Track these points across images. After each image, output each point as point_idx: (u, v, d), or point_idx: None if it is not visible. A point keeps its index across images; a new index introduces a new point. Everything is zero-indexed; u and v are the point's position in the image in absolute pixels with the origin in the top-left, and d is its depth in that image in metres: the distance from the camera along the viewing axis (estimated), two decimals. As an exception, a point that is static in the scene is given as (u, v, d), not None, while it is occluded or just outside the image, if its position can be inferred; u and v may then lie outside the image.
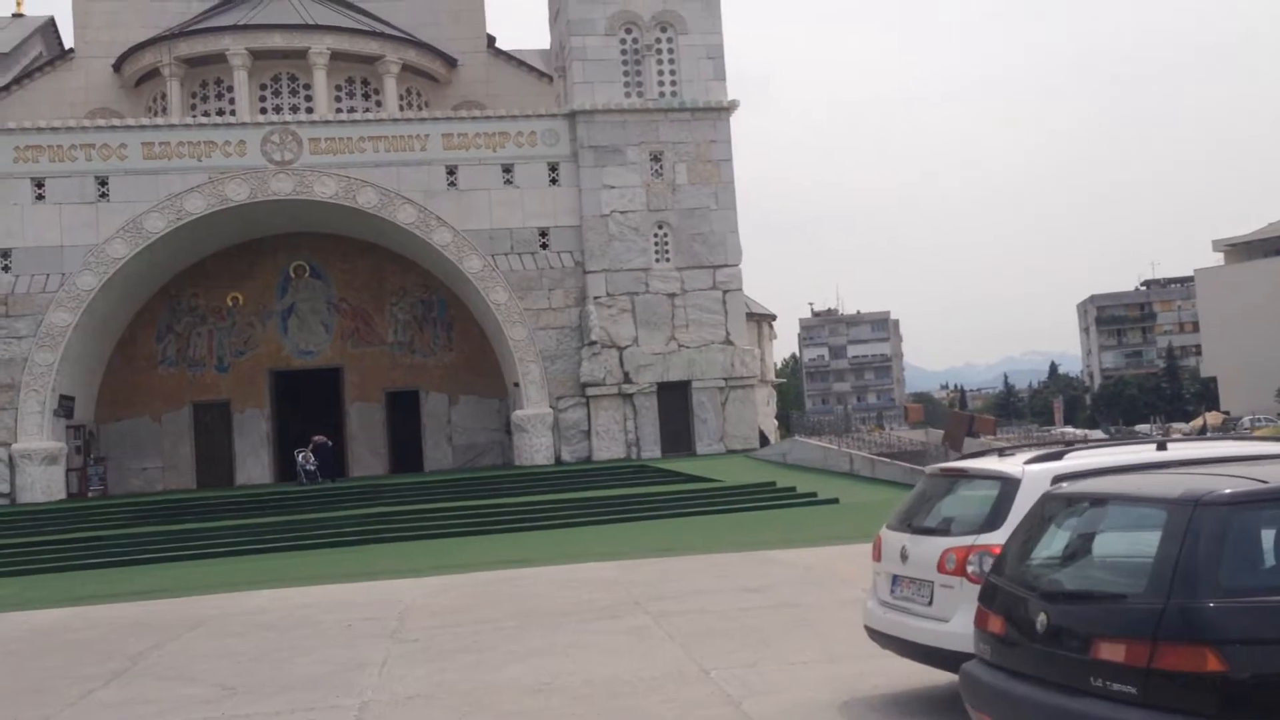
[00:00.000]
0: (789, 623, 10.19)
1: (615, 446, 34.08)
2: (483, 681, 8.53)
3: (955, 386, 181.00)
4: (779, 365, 74.50)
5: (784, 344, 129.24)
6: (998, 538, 6.39)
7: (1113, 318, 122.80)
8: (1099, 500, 5.04)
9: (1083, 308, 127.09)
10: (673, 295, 34.71)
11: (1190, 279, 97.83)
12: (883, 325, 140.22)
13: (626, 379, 34.25)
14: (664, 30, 35.36)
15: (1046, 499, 5.38)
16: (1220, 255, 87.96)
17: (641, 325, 34.46)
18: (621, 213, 34.53)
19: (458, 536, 22.20)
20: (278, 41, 37.39)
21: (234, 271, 36.92)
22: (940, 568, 6.68)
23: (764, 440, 38.00)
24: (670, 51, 35.45)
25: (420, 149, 33.93)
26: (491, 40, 42.82)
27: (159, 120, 34.34)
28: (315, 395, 37.07)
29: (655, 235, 34.80)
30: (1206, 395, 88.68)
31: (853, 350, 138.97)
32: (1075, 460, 6.78)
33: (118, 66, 39.48)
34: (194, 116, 36.60)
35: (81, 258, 32.17)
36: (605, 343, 34.14)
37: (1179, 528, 4.24)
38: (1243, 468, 4.93)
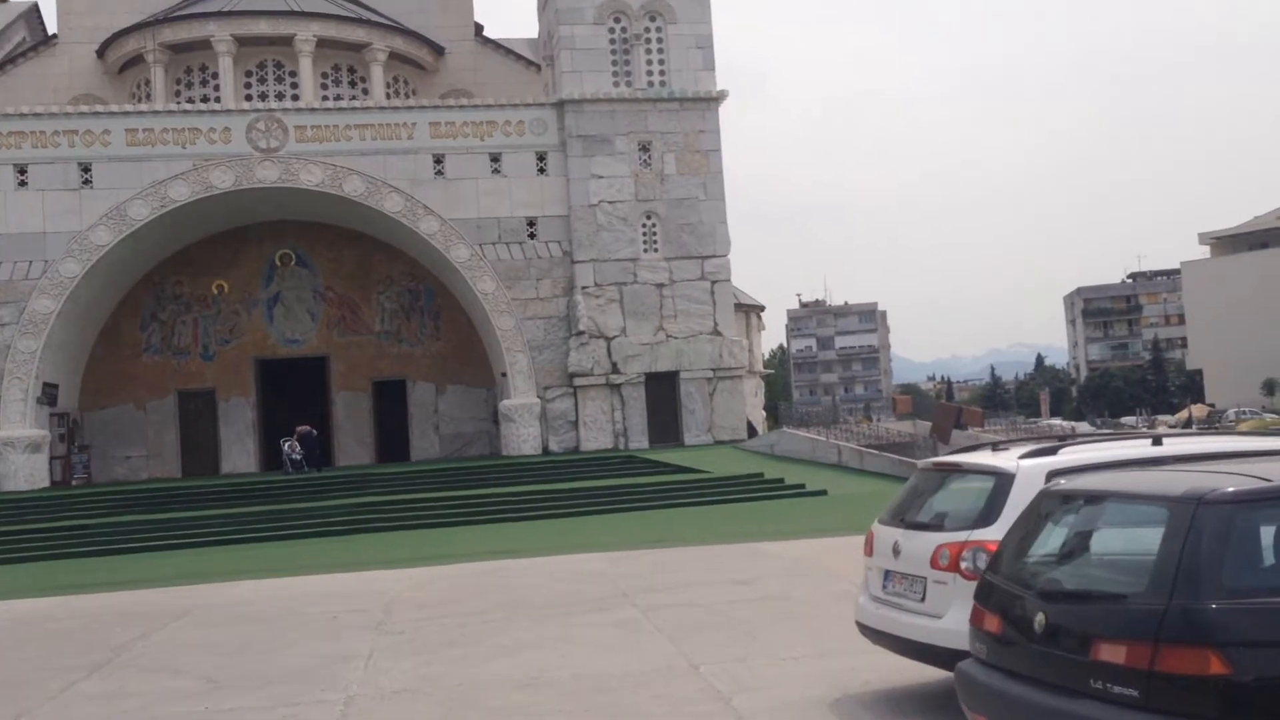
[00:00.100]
0: (778, 616, 10.12)
1: (603, 437, 34.00)
2: (469, 676, 8.44)
3: (942, 378, 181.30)
4: (767, 356, 74.47)
5: (772, 335, 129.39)
6: (992, 534, 6.33)
7: (1099, 310, 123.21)
8: (1098, 497, 4.96)
9: (1069, 300, 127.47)
10: (661, 286, 34.62)
11: (1176, 272, 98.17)
12: (870, 316, 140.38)
13: (614, 369, 34.16)
14: (653, 19, 35.20)
15: (1044, 495, 5.30)
16: (1206, 248, 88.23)
17: (629, 315, 34.36)
18: (610, 203, 34.40)
19: (444, 527, 22.09)
20: (263, 28, 37.09)
21: (219, 259, 36.67)
22: (933, 563, 6.60)
23: (752, 431, 37.96)
24: (659, 41, 35.30)
25: (407, 137, 33.72)
26: (479, 28, 42.57)
27: (143, 107, 34.04)
28: (301, 384, 36.87)
29: (643, 225, 34.68)
30: (1192, 388, 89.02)
31: (840, 341, 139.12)
32: (1070, 455, 6.70)
33: (101, 52, 39.13)
34: (178, 103, 36.31)
35: (65, 245, 31.90)
36: (593, 333, 34.03)
37: (1181, 527, 4.16)
38: (1244, 465, 4.86)
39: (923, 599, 6.68)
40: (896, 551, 6.95)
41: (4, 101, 35.75)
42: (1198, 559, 4.06)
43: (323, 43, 37.52)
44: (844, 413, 56.06)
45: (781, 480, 25.42)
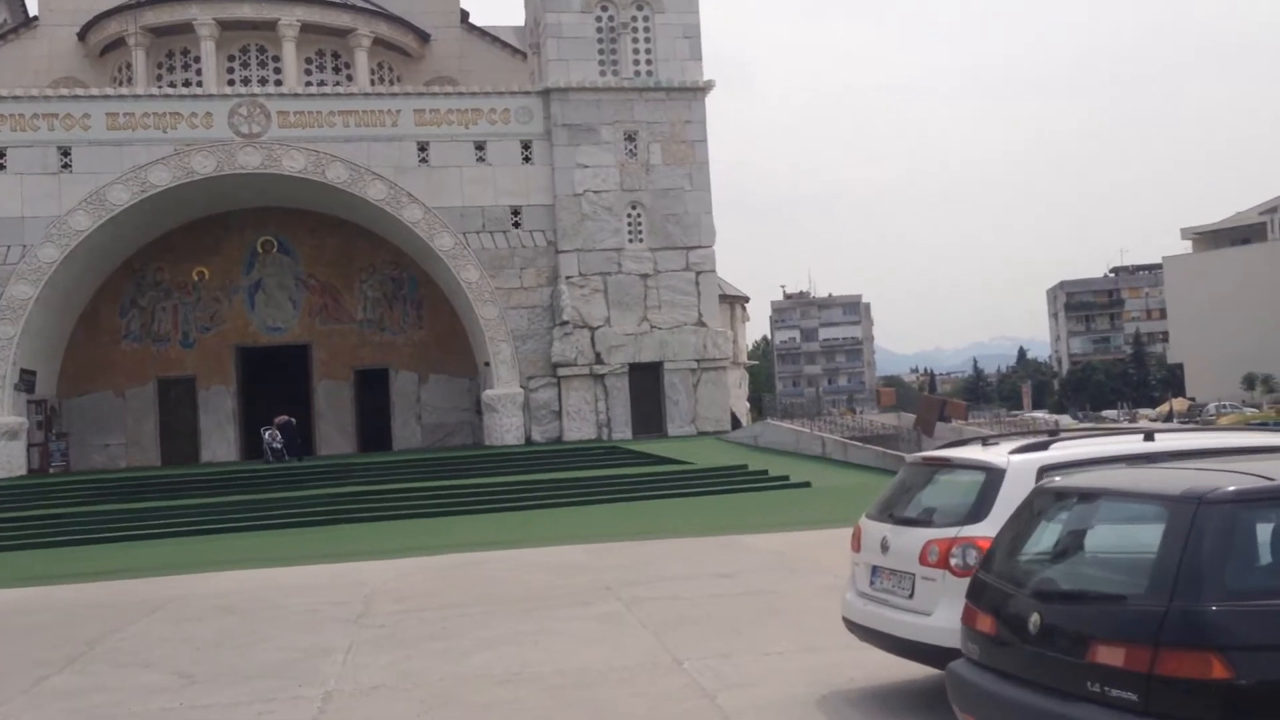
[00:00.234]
0: (763, 610, 10.02)
1: (586, 427, 33.87)
2: (450, 670, 8.30)
3: (925, 370, 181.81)
4: (751, 347, 74.42)
5: (756, 326, 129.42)
6: (982, 530, 6.23)
7: (1081, 304, 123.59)
8: (1094, 495, 4.85)
9: (1052, 294, 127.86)
10: (645, 276, 34.47)
11: (1158, 266, 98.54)
12: (854, 308, 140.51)
13: (598, 359, 34.01)
14: (640, 8, 34.99)
15: (1037, 493, 5.19)
16: (1188, 243, 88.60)
17: (614, 306, 34.21)
18: (595, 192, 34.21)
19: (426, 517, 21.94)
20: (246, 12, 36.74)
21: (200, 246, 36.34)
22: (922, 560, 6.49)
23: (736, 422, 37.89)
24: (646, 30, 35.09)
25: (391, 124, 33.45)
26: (465, 15, 42.28)
27: (124, 90, 33.69)
28: (283, 372, 36.59)
29: (628, 215, 34.51)
30: (1173, 382, 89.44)
31: (824, 333, 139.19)
32: (1061, 450, 6.60)
33: (82, 35, 38.69)
34: (160, 87, 35.94)
35: (43, 229, 31.54)
36: (577, 323, 33.87)
37: (1181, 527, 4.05)
38: (1242, 463, 4.75)
39: (911, 595, 6.57)
40: (885, 547, 6.84)
41: (-18, 84, 35.31)
42: (1198, 560, 3.95)
43: (306, 28, 37.18)
44: (827, 404, 56.05)
45: (765, 472, 25.34)
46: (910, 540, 6.65)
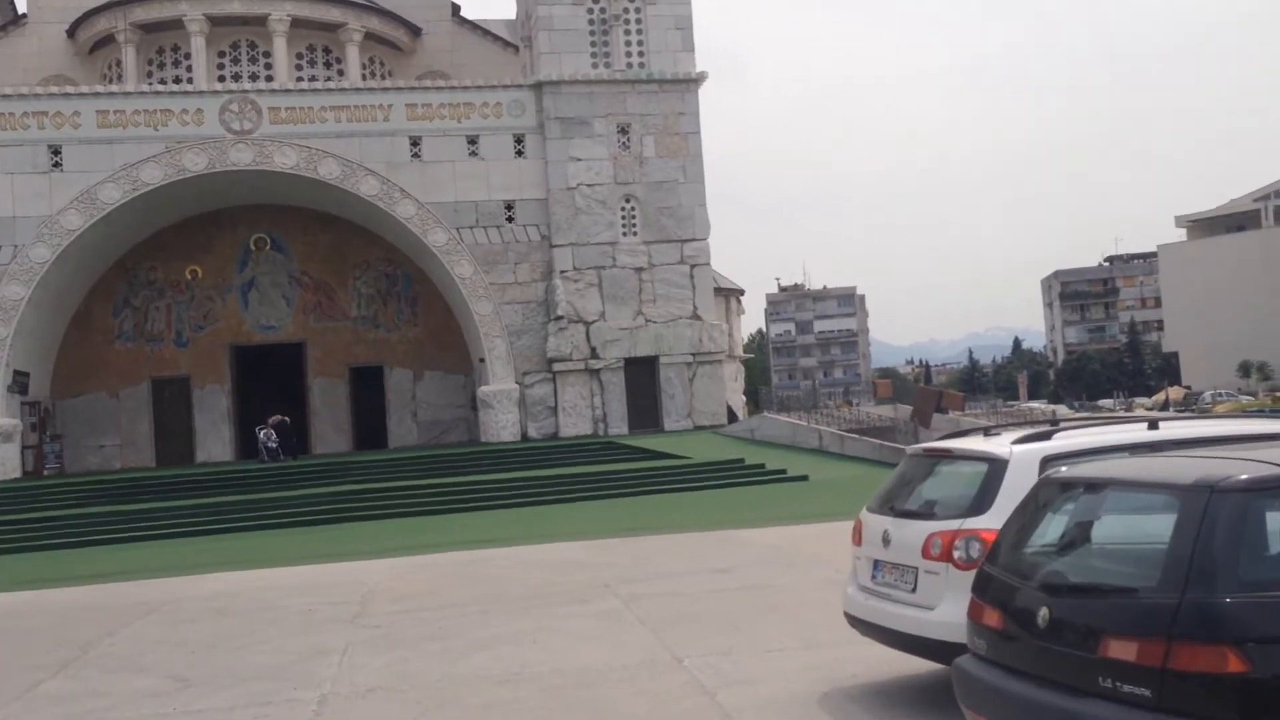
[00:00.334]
0: (762, 606, 9.92)
1: (582, 423, 33.77)
2: (448, 671, 8.20)
3: (920, 362, 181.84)
4: (746, 340, 74.38)
5: (751, 319, 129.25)
6: (985, 521, 6.14)
7: (1076, 293, 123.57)
8: (1101, 486, 4.74)
9: (1046, 283, 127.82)
10: (640, 270, 34.35)
11: (1153, 255, 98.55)
12: (849, 300, 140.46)
13: (594, 354, 33.90)
14: (632, 0, 34.82)
15: (1043, 484, 5.09)
16: (1183, 231, 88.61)
17: (608, 300, 34.09)
18: (588, 185, 34.08)
19: (422, 515, 21.84)
20: (236, 7, 36.51)
21: (192, 244, 36.17)
22: (925, 553, 6.40)
23: (732, 416, 37.81)
24: (638, 22, 34.93)
25: (383, 119, 33.29)
26: (456, 9, 42.09)
27: (114, 88, 33.49)
28: (277, 370, 36.45)
29: (622, 209, 34.38)
30: (1168, 370, 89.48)
31: (819, 325, 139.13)
32: (1065, 440, 6.51)
33: (72, 32, 38.46)
34: (150, 84, 35.69)
35: (34, 229, 31.37)
36: (572, 317, 33.76)
37: (1193, 517, 3.95)
38: (1250, 450, 4.65)
39: (914, 590, 6.48)
40: (886, 540, 6.75)
41: (-29, 84, 35.08)
42: (1211, 550, 3.85)
43: (297, 22, 36.97)
44: (824, 397, 55.97)
45: (762, 465, 25.27)
46: (912, 533, 6.56)
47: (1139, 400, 70.40)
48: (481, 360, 34.14)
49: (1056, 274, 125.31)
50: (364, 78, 37.75)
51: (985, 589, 4.87)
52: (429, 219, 33.16)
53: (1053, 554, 4.70)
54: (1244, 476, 4.02)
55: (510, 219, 33.97)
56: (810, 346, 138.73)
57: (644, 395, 34.32)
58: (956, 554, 6.19)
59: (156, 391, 36.19)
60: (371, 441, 36.91)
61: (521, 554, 14.94)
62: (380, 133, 33.20)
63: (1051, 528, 4.84)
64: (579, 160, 34.02)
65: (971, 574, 5.52)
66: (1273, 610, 3.71)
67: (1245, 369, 74.15)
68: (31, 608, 13.16)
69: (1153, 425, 6.71)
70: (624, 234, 34.37)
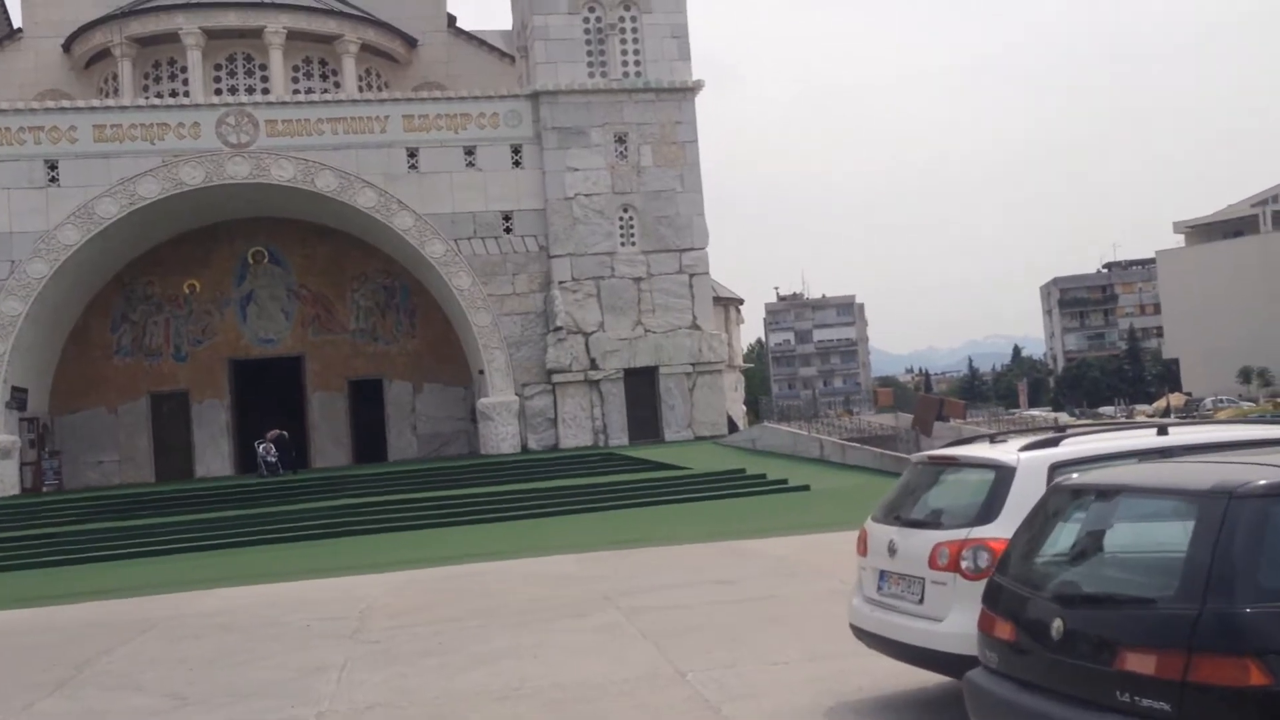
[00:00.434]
0: (765, 618, 9.80)
1: (582, 434, 33.63)
2: (447, 687, 8.07)
3: (920, 370, 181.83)
4: (745, 350, 74.27)
5: (750, 329, 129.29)
6: (993, 531, 6.04)
7: (1075, 300, 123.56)
8: (1113, 492, 4.63)
9: (1045, 290, 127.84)
10: (639, 279, 34.25)
11: (1151, 261, 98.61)
12: (848, 309, 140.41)
13: (593, 365, 33.78)
14: (627, 9, 34.79)
15: (1053, 491, 4.99)
16: (1181, 237, 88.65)
17: (607, 310, 33.99)
18: (586, 195, 34.00)
19: (422, 529, 21.71)
20: (232, 20, 36.50)
21: (190, 258, 36.07)
22: (932, 563, 6.29)
23: (732, 426, 37.68)
24: (634, 30, 34.90)
25: (380, 131, 33.23)
26: (452, 20, 42.11)
27: (110, 102, 33.45)
28: (276, 384, 36.30)
29: (620, 218, 34.30)
30: (1168, 377, 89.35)
31: (819, 335, 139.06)
32: (1073, 447, 6.40)
33: (67, 47, 38.44)
34: (146, 98, 35.64)
35: (31, 244, 31.27)
36: (571, 328, 33.65)
37: (1212, 523, 3.84)
38: (1265, 455, 4.54)
39: (921, 601, 6.37)
40: (892, 550, 6.64)
41: (-33, 99, 35.03)
42: (1231, 558, 3.74)
43: (293, 35, 36.94)
44: (824, 406, 55.88)
45: (764, 476, 25.13)
46: (918, 543, 6.45)
47: (1140, 407, 70.27)
48: (481, 372, 34.02)
49: (1055, 281, 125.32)
50: (360, 89, 37.72)
51: (996, 600, 4.76)
52: (427, 230, 33.07)
53: (1065, 564, 4.59)
54: (1263, 482, 3.91)
55: (508, 230, 33.88)
56: (810, 356, 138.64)
57: (644, 406, 34.19)
58: (964, 564, 6.09)
59: (155, 406, 36.05)
60: (371, 455, 36.76)
61: (521, 567, 14.82)
62: (377, 144, 33.14)
63: (1063, 537, 4.73)
64: (576, 170, 33.95)
65: (980, 584, 5.41)
66: (1295, 621, 3.60)
67: (1246, 375, 74.08)
68: (29, 625, 13.04)
69: (1162, 431, 6.61)
70: (622, 244, 34.28)
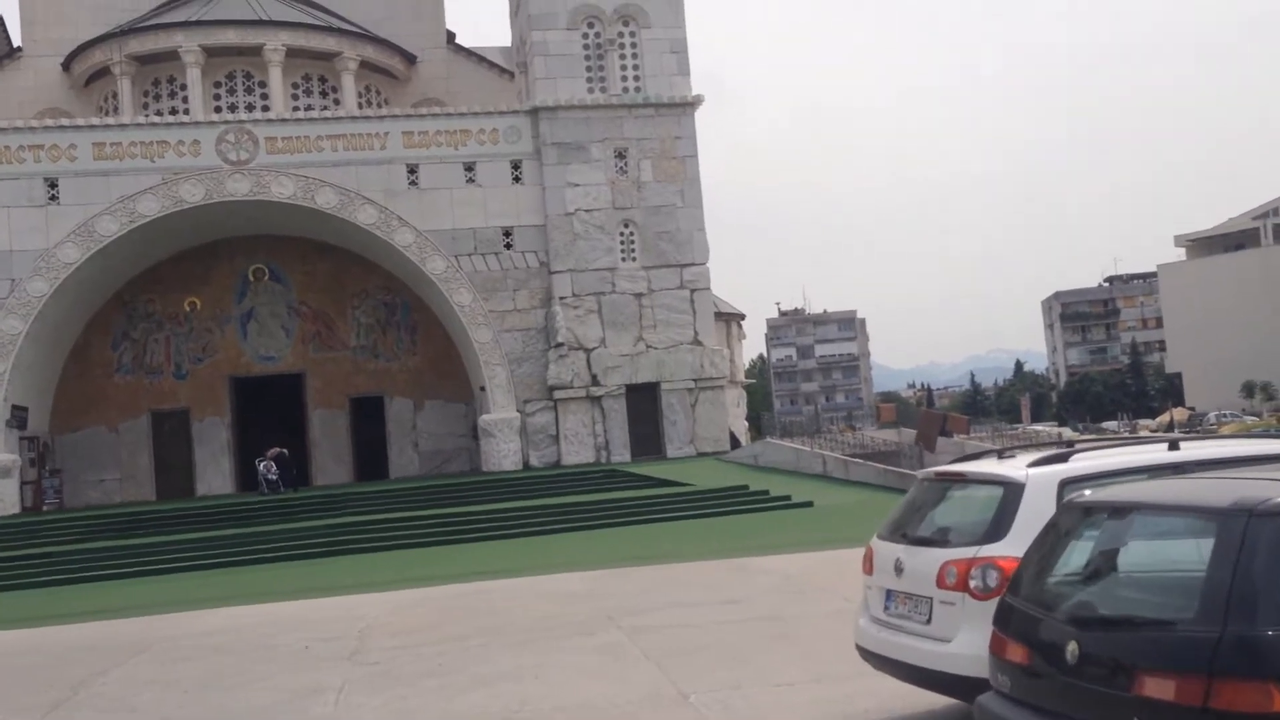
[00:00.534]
0: (770, 637, 9.66)
1: (584, 450, 33.49)
2: (446, 709, 7.94)
3: (922, 385, 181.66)
4: (747, 366, 74.15)
5: (752, 344, 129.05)
6: (1002, 549, 5.91)
7: (1077, 314, 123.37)
8: (1127, 510, 4.51)
9: (1047, 305, 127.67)
10: (640, 295, 34.16)
11: (1153, 275, 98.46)
12: (850, 324, 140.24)
13: (594, 381, 33.66)
14: (626, 24, 34.80)
15: (1065, 509, 4.86)
16: (1182, 251, 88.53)
17: (609, 326, 33.89)
18: (586, 211, 33.94)
19: (423, 547, 21.54)
20: (232, 38, 36.53)
21: (190, 275, 36.01)
22: (940, 582, 6.16)
23: (735, 442, 37.52)
24: (633, 46, 34.90)
25: (380, 148, 33.20)
26: (451, 36, 42.17)
27: (110, 120, 33.44)
28: (277, 402, 36.19)
29: (621, 234, 34.23)
30: (1171, 391, 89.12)
31: (820, 350, 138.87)
32: (1083, 462, 6.28)
33: (67, 65, 38.49)
34: (146, 116, 35.64)
35: (31, 263, 31.21)
36: (572, 344, 33.54)
37: (1232, 542, 3.72)
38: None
39: (929, 621, 6.23)
40: (899, 569, 6.50)
41: (-33, 118, 35.03)
42: (1252, 578, 3.62)
43: (292, 52, 36.97)
44: (826, 422, 55.73)
45: (766, 492, 24.97)
46: (926, 561, 6.32)
47: (1143, 422, 70.03)
48: (482, 388, 33.90)
49: (1057, 295, 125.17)
50: (360, 106, 37.72)
51: (1008, 622, 4.63)
52: (427, 247, 33.01)
53: (1079, 584, 4.47)
54: (1283, 499, 3.79)
55: (508, 245, 33.81)
56: (812, 371, 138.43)
57: (646, 422, 34.05)
58: (973, 583, 5.96)
59: (156, 424, 35.94)
60: (372, 472, 36.63)
61: (523, 585, 14.67)
62: (377, 161, 33.11)
63: (1075, 556, 4.61)
64: (576, 185, 33.91)
65: (989, 604, 5.29)
66: (1320, 643, 3.47)
67: (1249, 389, 73.82)
68: (26, 646, 12.90)
69: (1173, 445, 6.49)
70: (623, 259, 34.21)
